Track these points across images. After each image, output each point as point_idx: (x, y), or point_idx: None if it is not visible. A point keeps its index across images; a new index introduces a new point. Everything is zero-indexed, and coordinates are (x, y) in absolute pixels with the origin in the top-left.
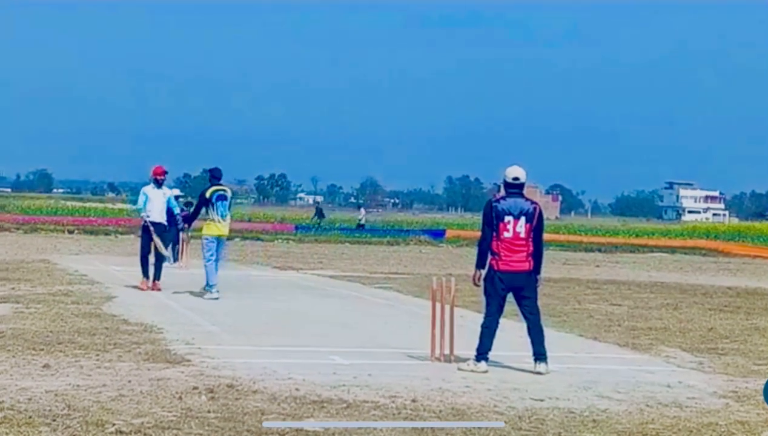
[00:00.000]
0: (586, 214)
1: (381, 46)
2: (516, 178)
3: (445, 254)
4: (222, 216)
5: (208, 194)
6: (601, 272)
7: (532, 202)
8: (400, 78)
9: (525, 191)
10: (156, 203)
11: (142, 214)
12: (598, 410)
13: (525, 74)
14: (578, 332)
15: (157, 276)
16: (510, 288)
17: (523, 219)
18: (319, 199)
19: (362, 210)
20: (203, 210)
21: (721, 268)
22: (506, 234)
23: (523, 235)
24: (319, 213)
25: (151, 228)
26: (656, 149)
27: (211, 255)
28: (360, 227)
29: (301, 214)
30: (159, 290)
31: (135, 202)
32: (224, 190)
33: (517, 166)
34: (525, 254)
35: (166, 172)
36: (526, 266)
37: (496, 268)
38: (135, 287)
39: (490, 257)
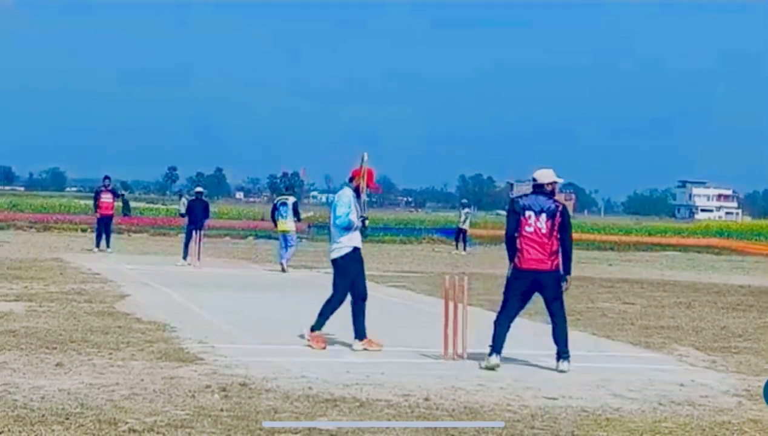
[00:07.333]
0: (599, 212)
1: (395, 46)
2: (554, 182)
3: (458, 252)
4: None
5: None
6: (614, 270)
7: (556, 202)
8: (413, 77)
9: None
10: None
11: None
12: (611, 408)
13: (537, 74)
14: (591, 331)
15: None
16: (532, 286)
17: (543, 216)
18: (124, 192)
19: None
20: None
21: (734, 266)
22: (527, 229)
23: (544, 231)
24: (126, 205)
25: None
26: (669, 148)
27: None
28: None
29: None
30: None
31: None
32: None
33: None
34: (547, 252)
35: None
36: (548, 265)
37: (518, 265)
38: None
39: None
